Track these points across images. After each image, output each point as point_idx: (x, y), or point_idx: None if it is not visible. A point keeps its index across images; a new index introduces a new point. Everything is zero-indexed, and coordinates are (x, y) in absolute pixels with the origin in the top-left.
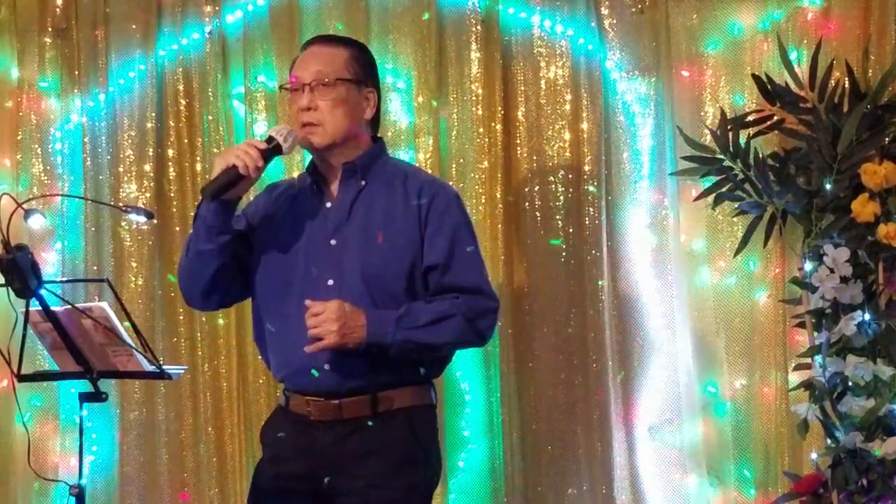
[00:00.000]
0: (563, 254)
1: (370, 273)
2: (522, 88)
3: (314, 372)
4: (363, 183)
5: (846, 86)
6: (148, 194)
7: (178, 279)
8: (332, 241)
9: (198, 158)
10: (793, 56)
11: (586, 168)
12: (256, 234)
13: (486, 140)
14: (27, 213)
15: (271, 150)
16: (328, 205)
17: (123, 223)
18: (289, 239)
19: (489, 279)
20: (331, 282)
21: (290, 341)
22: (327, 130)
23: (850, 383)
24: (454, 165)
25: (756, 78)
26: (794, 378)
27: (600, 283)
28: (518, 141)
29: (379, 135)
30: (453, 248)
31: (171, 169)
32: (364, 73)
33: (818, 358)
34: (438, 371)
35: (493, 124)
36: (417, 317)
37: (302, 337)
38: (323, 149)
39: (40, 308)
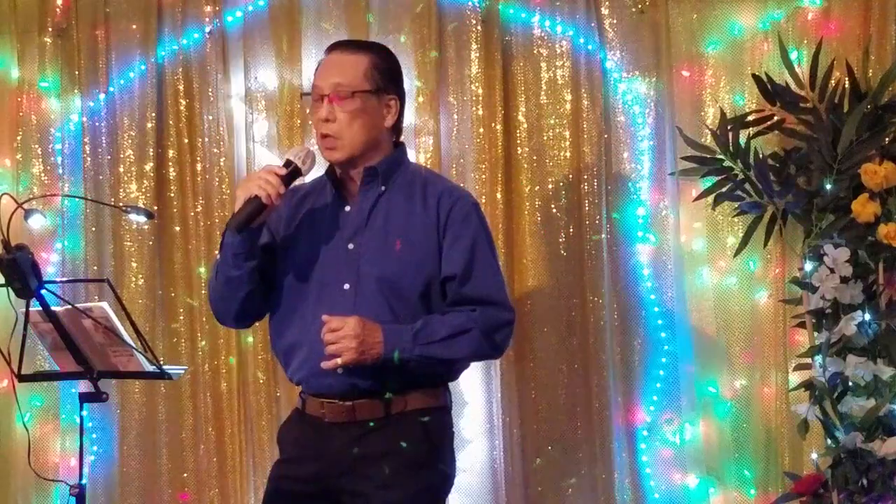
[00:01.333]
0: (563, 254)
1: (387, 279)
2: (522, 88)
3: (339, 372)
4: (383, 188)
5: (846, 86)
6: (148, 194)
7: (209, 302)
8: (350, 246)
9: (198, 158)
10: (793, 56)
11: (586, 168)
12: (279, 241)
13: (486, 140)
14: (27, 213)
15: (291, 174)
16: (347, 209)
17: (123, 223)
18: (307, 242)
19: (506, 289)
20: (347, 286)
21: (308, 344)
22: (345, 144)
23: (850, 383)
24: (454, 165)
25: (756, 78)
26: (794, 378)
27: (600, 283)
28: (518, 141)
29: (399, 140)
30: (471, 259)
31: (171, 169)
32: (385, 81)
33: (818, 358)
34: (455, 374)
35: (493, 124)
36: (434, 331)
37: (319, 340)
38: (343, 162)
39: (40, 308)
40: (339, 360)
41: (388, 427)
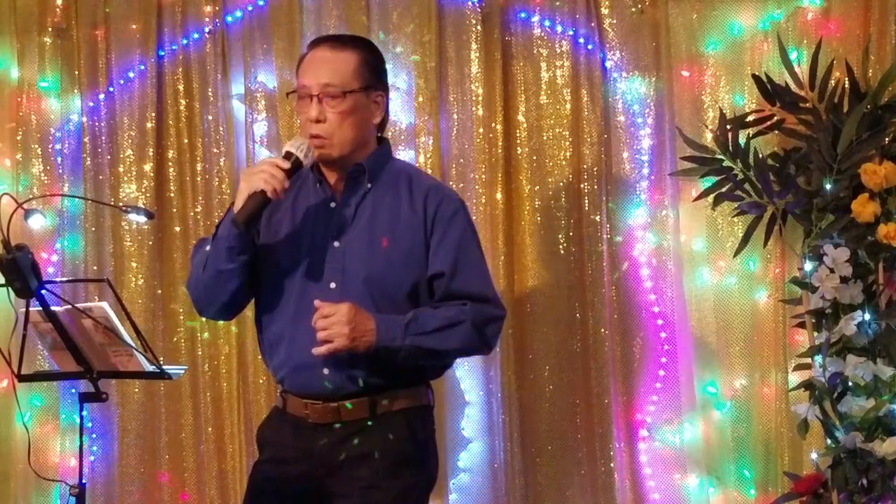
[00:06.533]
0: (563, 254)
1: (373, 278)
2: (522, 88)
3: (325, 372)
4: (369, 185)
5: (846, 86)
6: (148, 194)
7: (189, 291)
8: (336, 244)
9: (198, 158)
10: (793, 56)
11: (586, 168)
12: (263, 235)
13: (486, 140)
14: (27, 213)
15: (293, 167)
16: (332, 205)
17: (123, 223)
18: (293, 239)
19: (495, 287)
20: (333, 284)
21: (292, 342)
22: (335, 143)
23: (850, 383)
24: (454, 166)
25: (756, 78)
26: (794, 378)
27: (600, 283)
28: (518, 141)
29: (383, 135)
30: (459, 257)
31: (171, 169)
32: (373, 77)
33: (818, 358)
34: (438, 373)
35: (493, 124)
36: (426, 323)
37: (304, 337)
38: (334, 161)
39: (40, 308)
40: (330, 347)
41: (374, 427)
